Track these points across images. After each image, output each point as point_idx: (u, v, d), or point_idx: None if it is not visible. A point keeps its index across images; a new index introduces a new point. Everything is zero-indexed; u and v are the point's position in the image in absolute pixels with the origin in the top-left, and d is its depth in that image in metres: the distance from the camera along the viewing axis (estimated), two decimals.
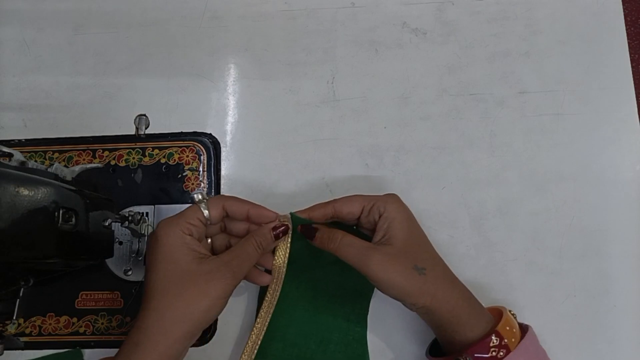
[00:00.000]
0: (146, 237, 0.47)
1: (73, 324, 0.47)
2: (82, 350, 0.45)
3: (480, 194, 0.49)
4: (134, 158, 0.50)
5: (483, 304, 0.40)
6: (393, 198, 0.41)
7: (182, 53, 0.53)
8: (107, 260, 0.47)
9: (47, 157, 0.50)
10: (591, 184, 0.48)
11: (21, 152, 0.41)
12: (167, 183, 0.49)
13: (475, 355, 0.36)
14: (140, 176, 0.50)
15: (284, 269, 0.43)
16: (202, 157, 0.50)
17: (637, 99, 0.50)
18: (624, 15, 0.51)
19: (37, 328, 0.47)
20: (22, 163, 0.38)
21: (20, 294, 0.35)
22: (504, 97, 0.51)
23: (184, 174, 0.50)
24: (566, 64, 0.51)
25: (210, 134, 0.51)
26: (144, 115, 0.51)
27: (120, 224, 0.45)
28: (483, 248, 0.48)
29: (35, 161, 0.49)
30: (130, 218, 0.45)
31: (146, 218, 0.47)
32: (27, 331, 0.47)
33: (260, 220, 0.41)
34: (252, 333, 0.42)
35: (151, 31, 0.54)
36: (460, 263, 0.47)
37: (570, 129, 0.50)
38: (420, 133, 0.50)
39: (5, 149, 0.39)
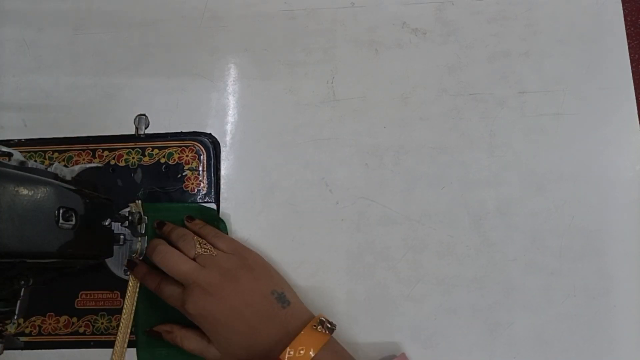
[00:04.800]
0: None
1: (73, 323, 0.47)
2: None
3: (480, 194, 0.49)
4: (133, 158, 0.50)
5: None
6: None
7: (182, 53, 0.53)
8: (107, 260, 0.47)
9: (46, 157, 0.50)
10: (591, 184, 0.48)
11: (21, 151, 0.41)
12: (166, 183, 0.49)
13: None
14: (140, 176, 0.50)
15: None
16: (202, 157, 0.50)
17: (637, 99, 0.50)
18: (624, 15, 0.51)
19: (37, 328, 0.47)
20: (22, 163, 0.38)
21: (21, 294, 0.35)
22: (504, 97, 0.51)
23: (184, 173, 0.50)
24: (566, 64, 0.51)
25: (210, 134, 0.51)
26: (144, 115, 0.51)
27: (120, 223, 0.45)
28: (483, 248, 0.48)
29: (35, 161, 0.49)
30: (130, 218, 0.45)
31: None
32: (27, 331, 0.47)
33: None
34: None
35: (151, 31, 0.54)
36: (460, 263, 0.47)
37: (570, 129, 0.50)
38: (420, 133, 0.50)
39: (5, 149, 0.39)
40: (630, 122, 0.49)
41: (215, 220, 0.48)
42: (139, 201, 0.47)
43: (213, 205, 0.49)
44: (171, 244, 0.43)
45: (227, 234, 0.48)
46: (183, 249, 0.42)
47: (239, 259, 0.42)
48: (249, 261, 0.43)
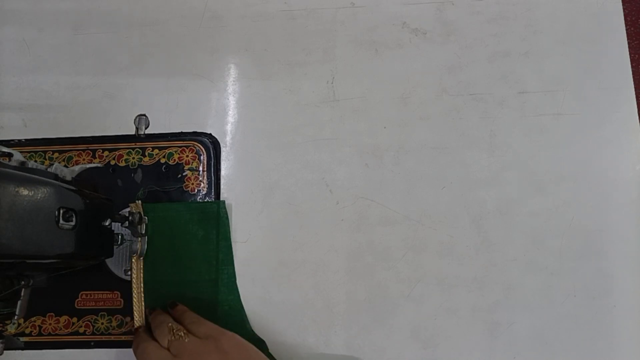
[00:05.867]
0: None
1: (73, 323, 0.47)
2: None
3: (480, 194, 0.49)
4: (133, 158, 0.50)
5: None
6: None
7: (182, 53, 0.53)
8: (107, 260, 0.47)
9: (47, 157, 0.50)
10: (591, 184, 0.48)
11: (21, 152, 0.41)
12: (167, 183, 0.49)
13: None
14: (140, 176, 0.50)
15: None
16: (202, 157, 0.50)
17: (637, 99, 0.50)
18: (624, 15, 0.51)
19: (37, 328, 0.47)
20: (22, 163, 0.38)
21: (21, 294, 0.35)
22: (504, 97, 0.51)
23: (184, 173, 0.50)
24: (566, 64, 0.51)
25: (210, 134, 0.51)
26: (144, 115, 0.51)
27: (120, 224, 0.45)
28: (483, 248, 0.48)
29: (35, 161, 0.49)
30: (130, 218, 0.45)
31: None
32: (27, 331, 0.47)
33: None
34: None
35: (151, 31, 0.54)
36: (460, 263, 0.47)
37: (570, 129, 0.50)
38: (420, 133, 0.50)
39: (5, 149, 0.39)
40: (630, 122, 0.49)
41: (216, 214, 0.48)
42: (139, 201, 0.47)
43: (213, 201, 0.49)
44: None
45: (227, 222, 0.48)
46: (157, 337, 0.42)
47: (212, 342, 0.41)
48: (224, 345, 0.41)
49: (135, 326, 0.45)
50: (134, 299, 0.45)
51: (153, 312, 0.45)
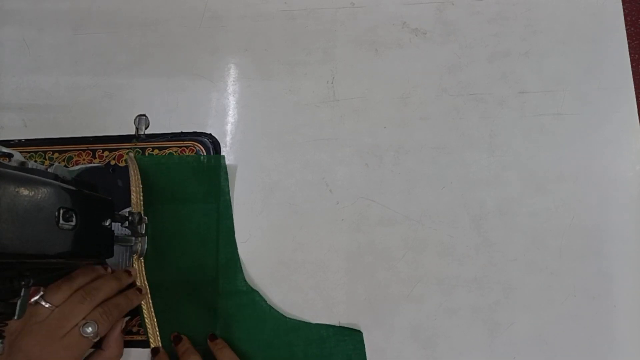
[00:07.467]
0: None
1: None
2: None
3: (480, 194, 0.49)
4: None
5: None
6: None
7: (182, 53, 0.53)
8: (107, 260, 0.47)
9: (47, 157, 0.50)
10: (591, 184, 0.48)
11: (21, 152, 0.41)
12: None
13: None
14: None
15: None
16: None
17: (637, 99, 0.50)
18: (624, 15, 0.51)
19: None
20: (22, 163, 0.38)
21: (21, 294, 0.35)
22: (504, 97, 0.51)
23: None
24: (566, 64, 0.51)
25: (210, 134, 0.51)
26: (144, 115, 0.51)
27: (120, 224, 0.45)
28: (483, 248, 0.48)
29: (35, 161, 0.49)
30: (130, 218, 0.45)
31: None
32: None
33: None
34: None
35: (151, 31, 0.54)
36: (460, 263, 0.47)
37: (570, 129, 0.50)
38: (420, 133, 0.50)
39: (5, 149, 0.39)
40: (630, 122, 0.49)
41: (216, 168, 0.49)
42: (131, 153, 0.48)
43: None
44: None
45: (227, 177, 0.49)
46: None
47: None
48: None
49: (152, 346, 0.45)
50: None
51: (179, 340, 0.45)
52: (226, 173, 0.49)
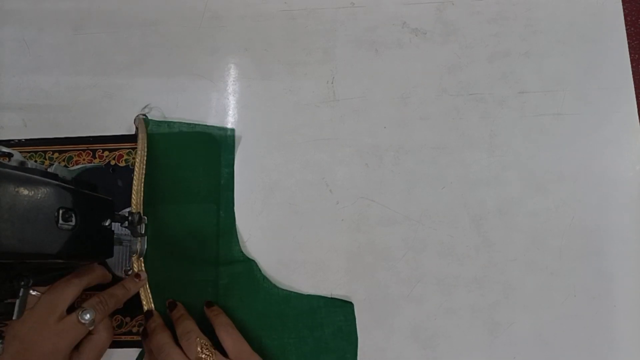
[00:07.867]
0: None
1: None
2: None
3: (480, 194, 0.49)
4: (134, 158, 0.50)
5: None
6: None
7: (182, 53, 0.53)
8: (107, 260, 0.47)
9: (47, 157, 0.50)
10: (591, 184, 0.48)
11: (21, 152, 0.41)
12: None
13: None
14: None
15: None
16: None
17: (637, 99, 0.50)
18: (624, 15, 0.51)
19: None
20: (22, 163, 0.38)
21: (21, 294, 0.35)
22: (504, 97, 0.51)
23: None
24: (566, 64, 0.51)
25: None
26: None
27: (120, 224, 0.45)
28: (483, 248, 0.48)
29: (35, 161, 0.49)
30: (130, 218, 0.45)
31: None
32: None
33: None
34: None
35: (151, 31, 0.54)
36: (460, 263, 0.47)
37: (570, 129, 0.50)
38: (420, 133, 0.50)
39: (5, 149, 0.39)
40: (630, 122, 0.49)
41: (223, 139, 0.50)
42: (142, 116, 0.49)
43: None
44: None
45: (233, 151, 0.50)
46: (185, 348, 0.41)
47: None
48: None
49: (146, 309, 0.45)
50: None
51: (174, 306, 0.45)
52: (233, 145, 0.50)
